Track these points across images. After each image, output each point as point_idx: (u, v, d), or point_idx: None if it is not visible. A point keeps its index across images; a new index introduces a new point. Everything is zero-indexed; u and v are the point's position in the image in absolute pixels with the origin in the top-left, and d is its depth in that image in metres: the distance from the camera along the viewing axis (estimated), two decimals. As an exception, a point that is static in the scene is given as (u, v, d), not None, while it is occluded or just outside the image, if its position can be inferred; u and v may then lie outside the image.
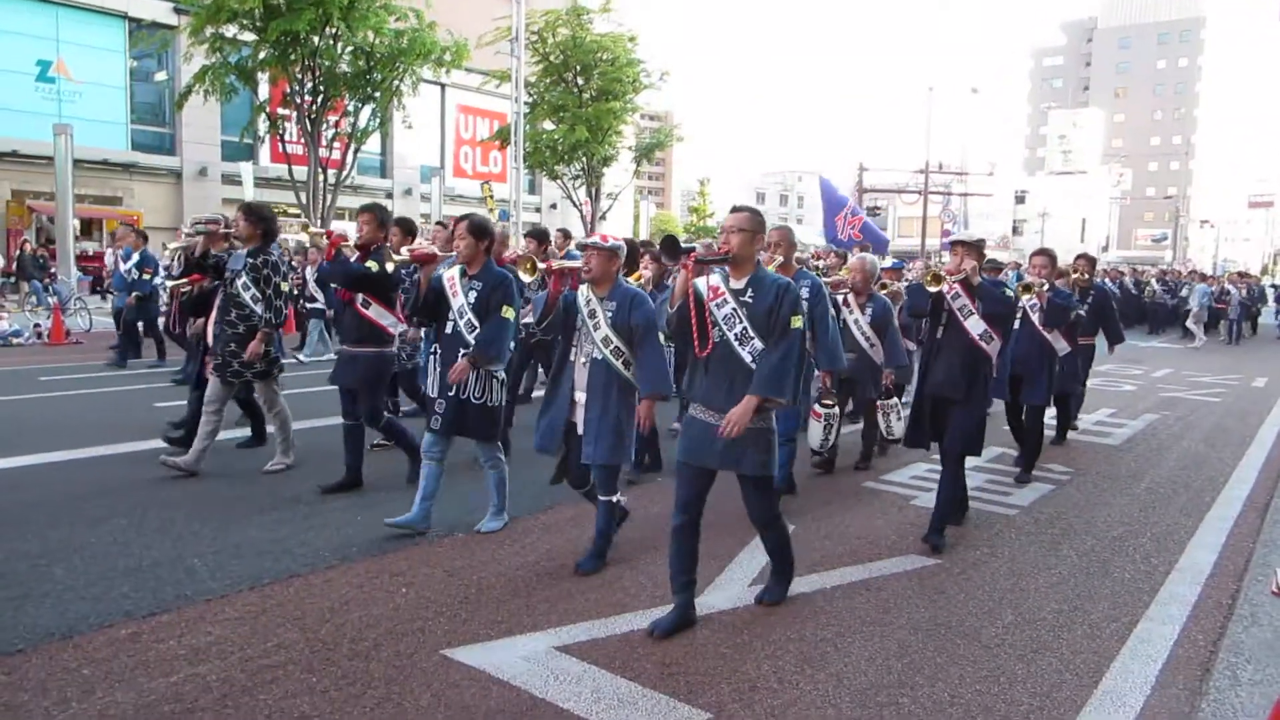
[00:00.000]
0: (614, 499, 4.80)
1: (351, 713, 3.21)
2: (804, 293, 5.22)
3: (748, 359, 3.77)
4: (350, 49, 20.09)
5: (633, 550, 5.07)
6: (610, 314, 4.60)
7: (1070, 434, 9.19)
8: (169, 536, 5.04)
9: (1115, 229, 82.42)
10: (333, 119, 21.58)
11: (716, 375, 3.84)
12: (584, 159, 27.35)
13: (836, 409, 6.24)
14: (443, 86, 30.58)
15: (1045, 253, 7.29)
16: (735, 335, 3.80)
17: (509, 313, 5.03)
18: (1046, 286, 6.91)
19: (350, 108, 21.48)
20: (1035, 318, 7.13)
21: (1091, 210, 75.14)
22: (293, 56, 19.62)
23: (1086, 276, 8.70)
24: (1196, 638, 4.14)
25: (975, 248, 5.37)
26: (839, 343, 6.11)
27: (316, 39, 19.44)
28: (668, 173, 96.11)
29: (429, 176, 29.05)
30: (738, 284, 3.86)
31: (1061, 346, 7.40)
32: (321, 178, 21.34)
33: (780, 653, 3.82)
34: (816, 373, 6.07)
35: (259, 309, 6.29)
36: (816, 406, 6.10)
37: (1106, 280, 27.14)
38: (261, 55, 19.75)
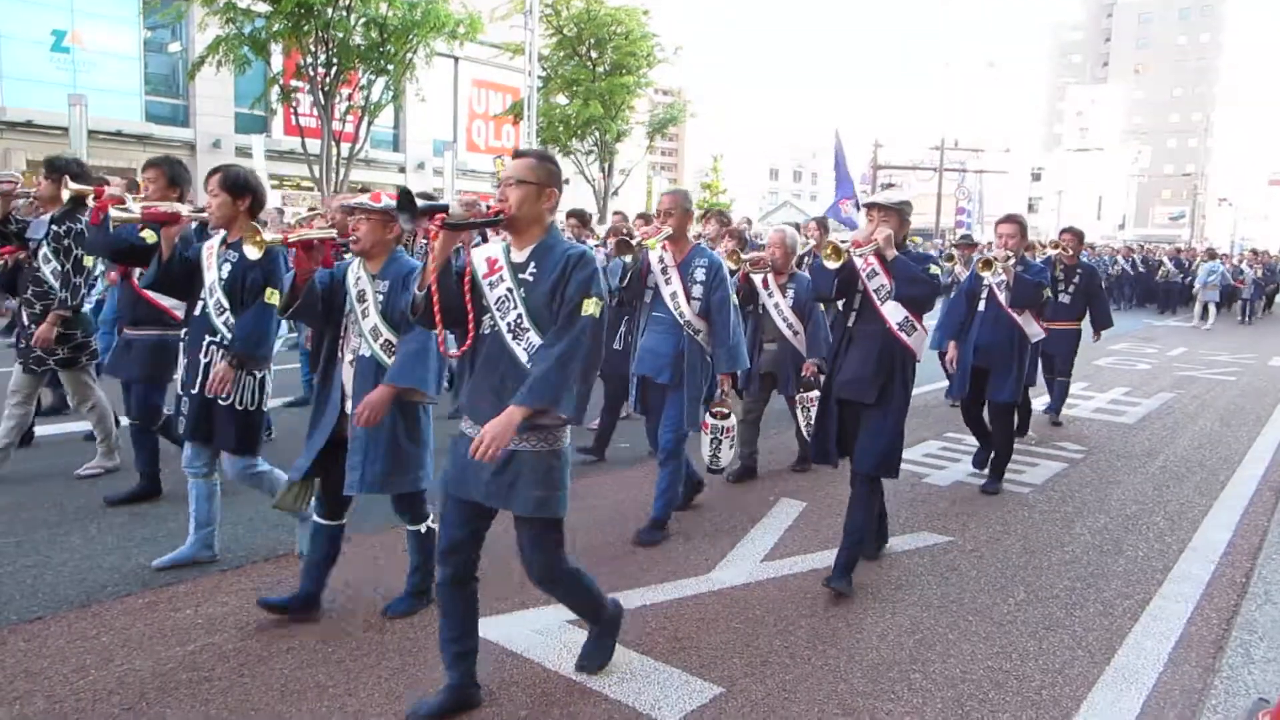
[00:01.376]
0: (423, 528, 3.86)
1: (366, 683, 3.24)
2: (698, 274, 4.91)
3: (523, 357, 2.83)
4: (363, 21, 19.98)
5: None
6: (381, 297, 3.57)
7: (1082, 414, 9.15)
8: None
9: (1133, 207, 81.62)
10: (346, 92, 21.50)
11: (483, 378, 2.90)
12: (597, 134, 27.20)
13: (732, 420, 5.41)
14: (456, 60, 30.39)
15: (1012, 220, 6.08)
16: (509, 325, 2.86)
17: (273, 297, 4.01)
18: (1013, 260, 5.91)
19: (363, 80, 21.38)
20: (1002, 298, 6.03)
21: (1109, 188, 74.40)
22: (306, 28, 19.51)
23: (1071, 253, 8.30)
24: (1210, 615, 4.13)
25: (896, 212, 4.32)
26: (741, 339, 5.07)
27: (330, 10, 19.33)
28: (681, 149, 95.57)
29: (442, 151, 28.98)
30: (519, 256, 2.91)
31: (1034, 331, 6.19)
32: (335, 151, 21.29)
33: (792, 628, 3.83)
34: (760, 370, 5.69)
35: (57, 285, 5.36)
36: (707, 417, 5.23)
37: (1119, 257, 26.81)
38: (275, 27, 19.65)
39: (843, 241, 4.29)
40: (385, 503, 3.84)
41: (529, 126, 24.71)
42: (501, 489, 2.90)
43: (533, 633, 3.67)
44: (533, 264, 2.88)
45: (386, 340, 3.55)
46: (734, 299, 5.05)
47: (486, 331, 2.90)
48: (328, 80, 20.65)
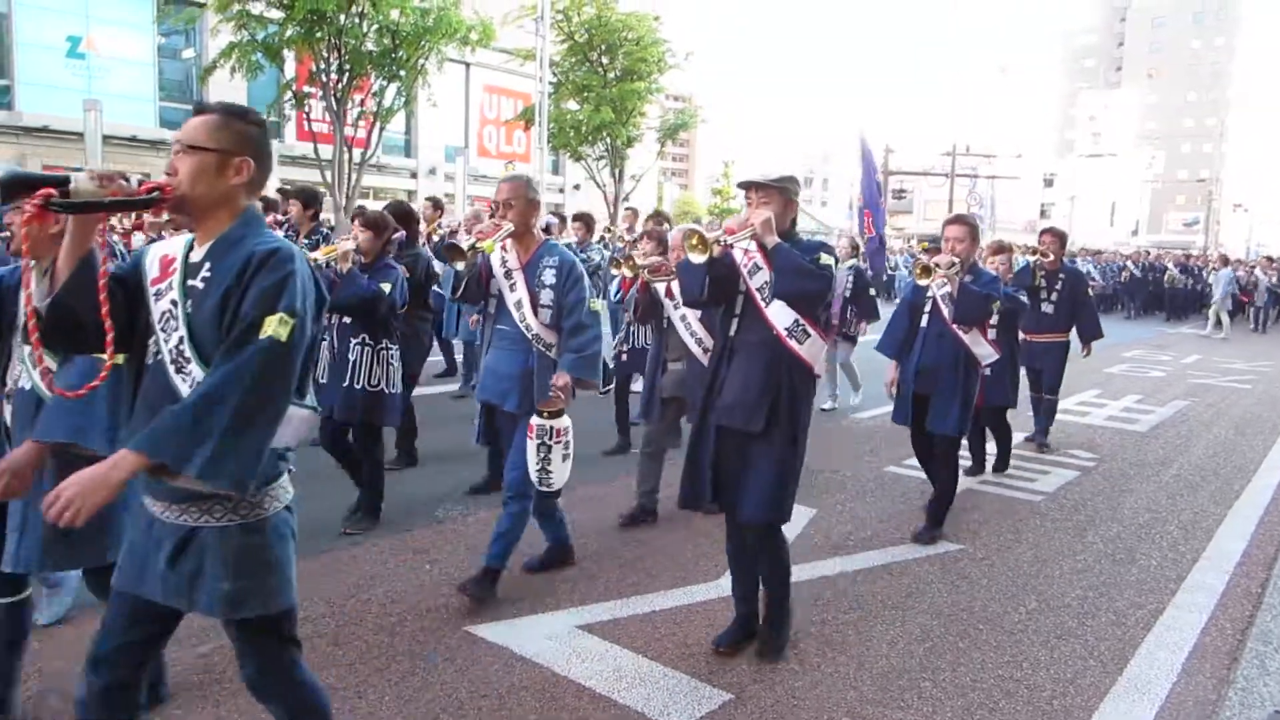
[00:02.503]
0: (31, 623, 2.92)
1: (377, 685, 3.25)
2: (547, 276, 4.02)
3: (185, 392, 2.04)
4: (376, 27, 20.09)
5: (654, 532, 5.09)
6: None
7: (1094, 422, 9.10)
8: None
9: (1146, 213, 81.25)
10: (358, 98, 21.61)
11: (142, 425, 2.06)
12: (608, 140, 27.25)
13: (565, 421, 3.89)
14: (467, 65, 30.53)
15: (960, 221, 5.23)
16: (171, 352, 2.08)
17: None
18: (958, 268, 4.96)
19: (376, 86, 21.49)
20: (946, 312, 5.06)
21: (1122, 193, 74.07)
22: (319, 34, 19.64)
23: (1053, 257, 7.51)
24: (1224, 626, 4.11)
25: (779, 191, 3.52)
26: (599, 354, 4.04)
27: (343, 17, 19.45)
28: (692, 154, 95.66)
29: (453, 156, 29.08)
30: (197, 254, 2.14)
31: (984, 352, 5.15)
32: (347, 156, 21.40)
33: (801, 635, 3.82)
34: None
35: None
36: (533, 417, 3.93)
37: (1128, 262, 26.06)
38: (288, 33, 19.78)
39: (711, 229, 3.71)
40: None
41: (540, 132, 24.76)
42: (181, 582, 2.09)
43: (542, 638, 3.67)
44: (208, 265, 2.10)
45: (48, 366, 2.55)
46: (597, 304, 4.10)
47: (150, 361, 2.13)
48: (340, 86, 20.76)
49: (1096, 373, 12.80)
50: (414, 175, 31.15)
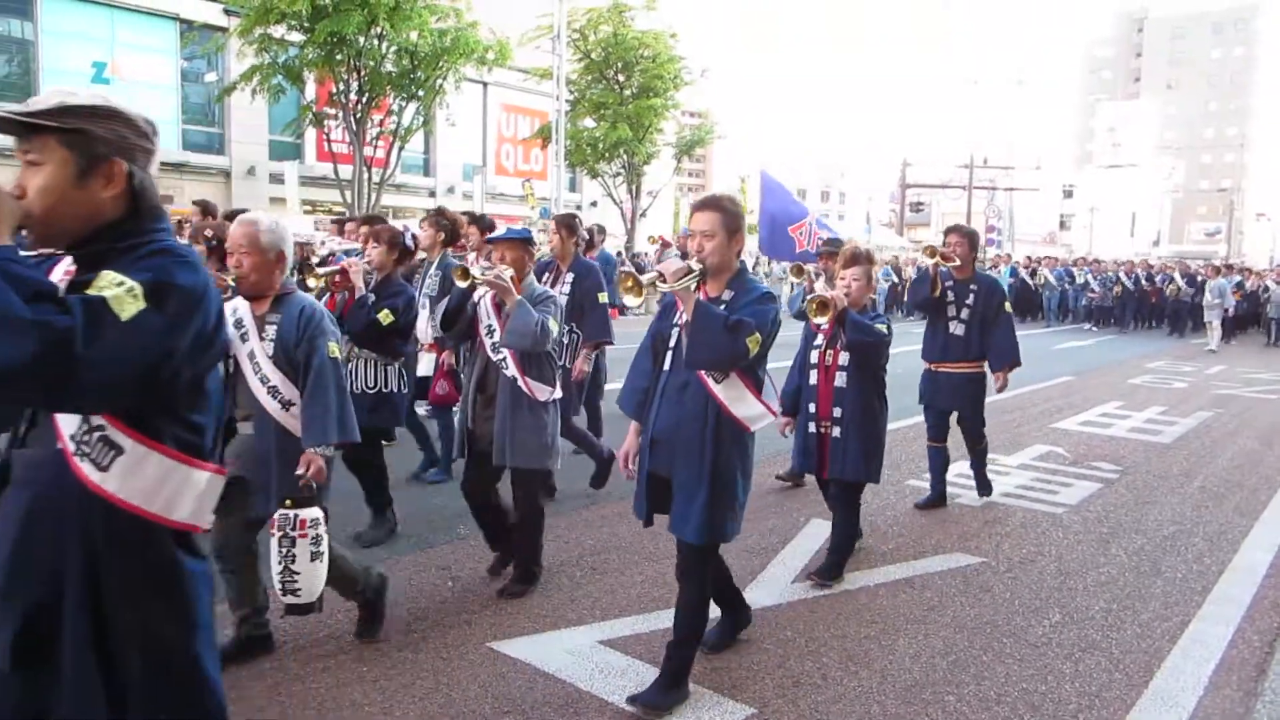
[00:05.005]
0: None
1: (402, 701, 3.27)
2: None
3: None
4: (395, 49, 20.33)
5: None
6: None
7: (1118, 434, 9.04)
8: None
9: (1167, 223, 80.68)
10: (377, 118, 21.85)
11: None
12: (625, 156, 27.39)
13: (314, 512, 3.27)
14: (485, 85, 30.77)
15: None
16: None
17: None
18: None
19: (394, 107, 21.73)
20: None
21: (1142, 204, 73.60)
22: (339, 57, 19.90)
23: (960, 263, 5.86)
24: (1251, 638, 4.07)
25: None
26: (345, 408, 3.44)
27: (362, 39, 19.70)
28: (708, 170, 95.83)
29: (471, 175, 29.28)
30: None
31: (749, 413, 3.32)
32: (366, 176, 21.62)
33: (824, 649, 3.82)
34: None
35: None
36: (276, 511, 3.27)
37: (1120, 274, 24.03)
38: (309, 56, 20.05)
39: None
40: None
41: (557, 149, 24.93)
42: None
43: (564, 653, 3.69)
44: None
45: None
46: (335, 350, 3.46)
47: None
48: (360, 107, 21.01)
49: (1120, 384, 12.71)
50: (432, 194, 31.37)
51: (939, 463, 6.09)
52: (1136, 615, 4.32)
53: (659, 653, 3.65)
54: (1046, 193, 62.63)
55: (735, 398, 3.25)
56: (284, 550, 3.21)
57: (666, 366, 3.37)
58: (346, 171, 21.86)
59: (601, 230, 10.69)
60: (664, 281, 3.02)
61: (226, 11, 23.62)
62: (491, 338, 4.23)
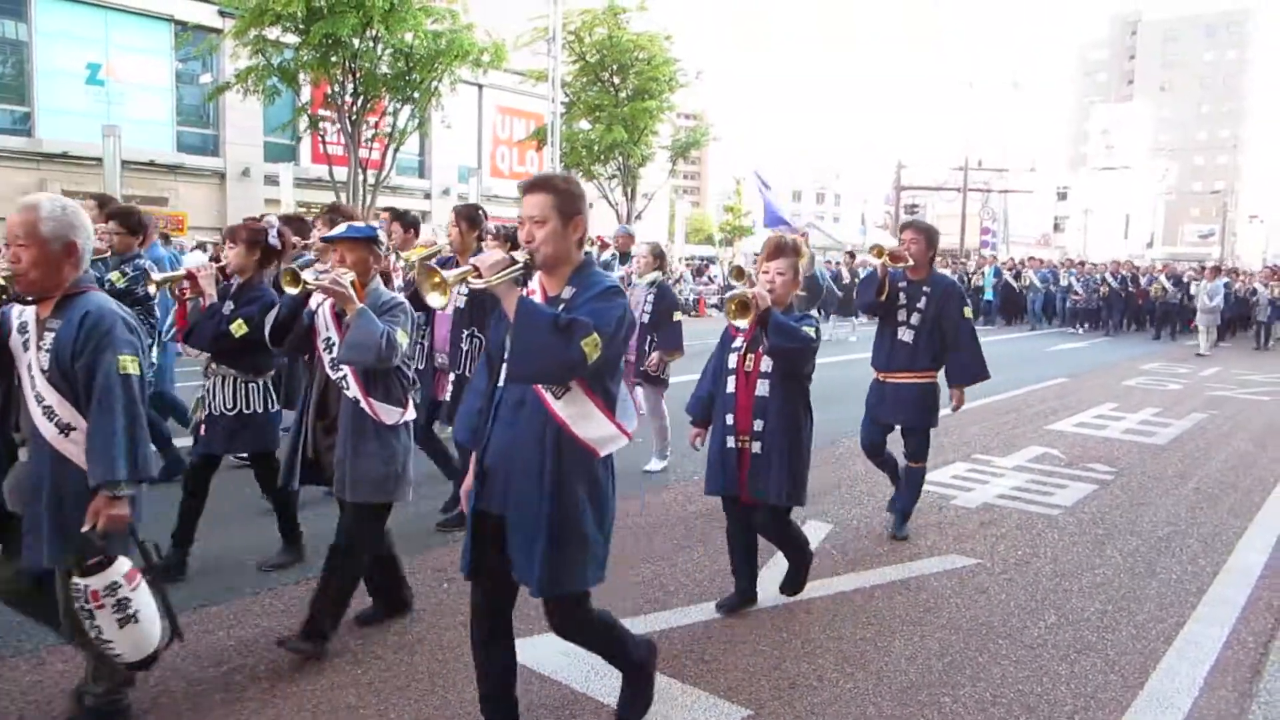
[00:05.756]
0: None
1: (396, 704, 3.27)
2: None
3: None
4: (390, 51, 20.32)
5: (671, 549, 5.10)
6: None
7: (1112, 435, 9.05)
8: (218, 532, 5.13)
9: (1161, 225, 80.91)
10: (372, 120, 21.84)
11: None
12: (620, 159, 27.41)
13: (112, 577, 2.74)
14: (480, 87, 30.77)
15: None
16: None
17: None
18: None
19: (390, 109, 21.72)
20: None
21: (1136, 206, 73.80)
22: (334, 59, 19.88)
23: (914, 263, 5.32)
24: (1246, 640, 4.08)
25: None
26: (138, 436, 2.84)
27: (357, 41, 19.68)
28: (703, 172, 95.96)
29: (466, 177, 29.28)
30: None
31: (599, 434, 2.78)
32: (361, 178, 21.60)
33: (820, 651, 3.82)
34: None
35: None
36: (76, 578, 2.75)
37: (1106, 274, 23.16)
38: (304, 57, 20.03)
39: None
40: None
41: (552, 151, 24.95)
42: None
43: (559, 654, 3.68)
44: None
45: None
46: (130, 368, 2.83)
47: None
48: (355, 109, 21.00)
49: (1115, 385, 12.74)
50: (428, 196, 31.38)
51: (890, 468, 5.60)
52: (1132, 617, 4.32)
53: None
54: (1041, 195, 62.79)
55: (579, 416, 2.67)
56: (87, 622, 2.75)
57: (501, 380, 2.76)
58: (342, 173, 21.84)
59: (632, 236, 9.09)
60: (479, 277, 2.51)
61: (221, 13, 23.61)
62: (331, 352, 3.67)
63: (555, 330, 2.45)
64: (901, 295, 5.32)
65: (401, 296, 3.92)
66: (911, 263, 5.33)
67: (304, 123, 22.41)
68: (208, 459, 4.54)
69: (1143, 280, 23.91)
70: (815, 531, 5.45)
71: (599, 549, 2.75)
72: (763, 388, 4.00)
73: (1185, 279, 22.94)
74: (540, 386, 2.65)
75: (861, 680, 3.57)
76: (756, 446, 3.98)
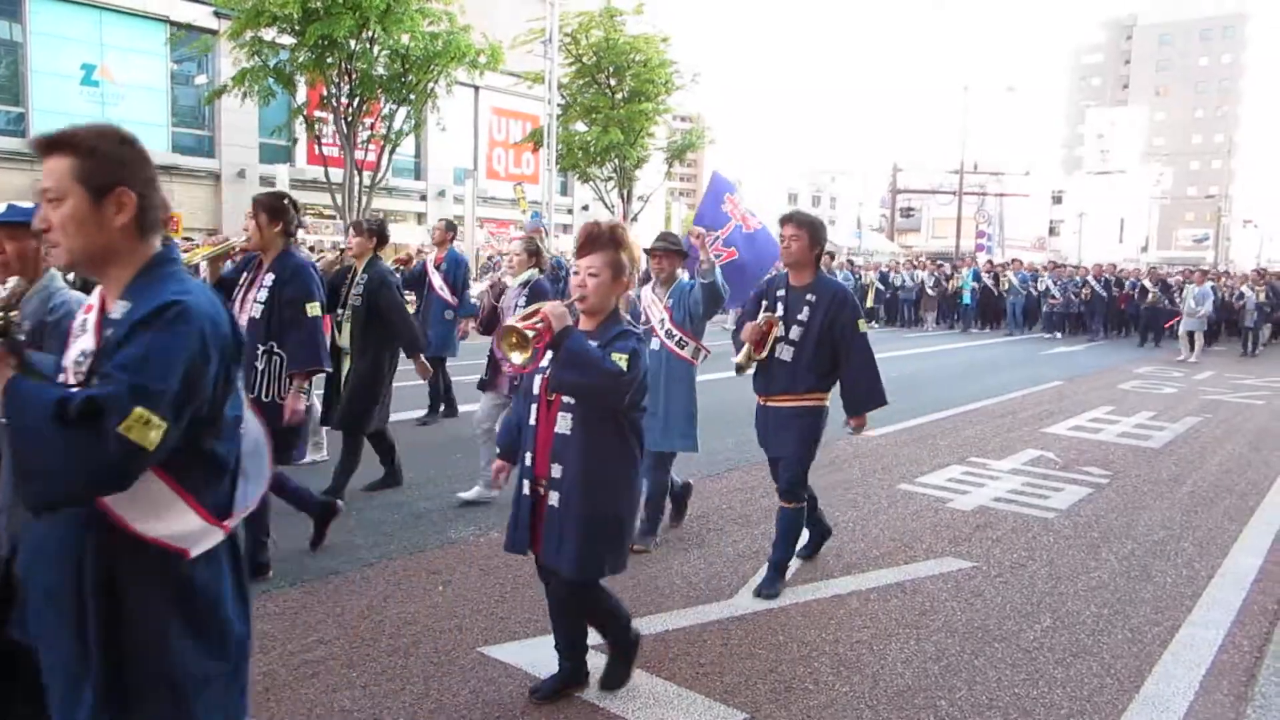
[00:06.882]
0: None
1: (391, 708, 3.25)
2: None
3: None
4: (386, 52, 20.32)
5: (668, 550, 5.09)
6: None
7: (1107, 439, 9.06)
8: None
9: (1155, 229, 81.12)
10: (368, 121, 21.82)
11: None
12: (616, 160, 27.42)
13: None
14: (476, 89, 30.78)
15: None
16: None
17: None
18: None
19: (385, 110, 21.71)
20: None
21: (1130, 210, 73.97)
22: (330, 60, 19.88)
23: (817, 268, 4.50)
24: (1241, 643, 4.08)
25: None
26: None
27: (353, 43, 19.68)
28: (699, 174, 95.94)
29: (462, 178, 29.27)
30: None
31: None
32: (357, 180, 21.58)
33: (816, 654, 3.82)
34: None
35: None
36: None
37: (1089, 278, 22.30)
38: (300, 59, 20.02)
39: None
40: None
41: (548, 153, 24.95)
42: None
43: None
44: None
45: None
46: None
47: None
48: (350, 110, 20.99)
49: (1110, 389, 12.77)
50: (423, 198, 31.37)
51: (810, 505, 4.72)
52: (1127, 620, 4.32)
53: (649, 656, 3.65)
54: (1036, 199, 62.91)
55: (144, 510, 1.79)
56: None
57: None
58: (337, 175, 21.82)
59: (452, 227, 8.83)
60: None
61: (216, 14, 23.59)
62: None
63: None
64: (780, 305, 4.40)
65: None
66: (812, 268, 4.43)
67: (300, 124, 22.40)
68: None
69: (1127, 284, 23.12)
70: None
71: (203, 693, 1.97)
72: (563, 423, 3.01)
73: (1170, 282, 21.89)
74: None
75: (858, 684, 3.57)
76: (554, 497, 3.04)
